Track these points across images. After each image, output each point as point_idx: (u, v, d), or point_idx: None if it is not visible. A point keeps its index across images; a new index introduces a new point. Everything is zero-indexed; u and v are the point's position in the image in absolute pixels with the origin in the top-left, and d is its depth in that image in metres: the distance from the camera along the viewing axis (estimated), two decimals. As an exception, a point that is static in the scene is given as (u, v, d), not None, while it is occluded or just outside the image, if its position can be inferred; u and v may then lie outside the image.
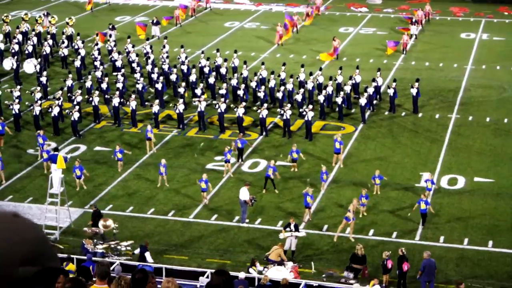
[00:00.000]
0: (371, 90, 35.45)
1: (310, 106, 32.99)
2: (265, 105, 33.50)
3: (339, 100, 34.54)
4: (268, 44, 46.39)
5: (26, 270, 3.02)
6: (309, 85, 36.01)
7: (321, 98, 34.56)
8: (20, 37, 42.93)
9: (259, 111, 33.05)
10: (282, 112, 32.82)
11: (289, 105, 33.57)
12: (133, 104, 33.37)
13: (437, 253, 23.68)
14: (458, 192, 28.31)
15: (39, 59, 40.25)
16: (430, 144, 32.50)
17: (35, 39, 42.74)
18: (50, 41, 42.55)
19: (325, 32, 48.51)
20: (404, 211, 26.65)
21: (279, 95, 35.46)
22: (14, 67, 38.45)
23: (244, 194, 25.86)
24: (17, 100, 33.04)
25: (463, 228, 25.67)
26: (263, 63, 38.75)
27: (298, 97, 34.78)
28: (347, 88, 35.77)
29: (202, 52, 40.92)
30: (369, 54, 44.35)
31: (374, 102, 36.15)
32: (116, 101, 33.55)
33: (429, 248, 23.53)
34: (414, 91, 35.32)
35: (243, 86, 35.91)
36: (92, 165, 29.90)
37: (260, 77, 37.20)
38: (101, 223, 23.84)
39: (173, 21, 49.96)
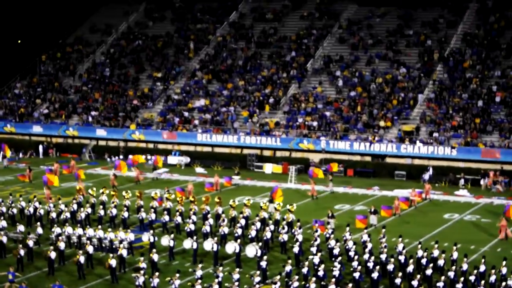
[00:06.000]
0: None
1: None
2: (484, 300, 32.36)
3: None
4: (489, 237, 45.31)
5: None
6: (533, 282, 34.48)
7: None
8: (243, 221, 44.74)
9: (477, 305, 31.97)
10: (503, 308, 31.59)
11: (511, 302, 32.20)
12: (349, 293, 33.36)
13: None
14: None
15: (259, 244, 41.52)
16: None
17: (258, 224, 44.38)
18: (272, 227, 44.01)
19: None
20: None
21: (500, 291, 34.30)
22: (237, 251, 39.84)
23: None
24: (236, 283, 33.99)
25: None
26: (483, 257, 37.77)
27: (521, 294, 33.39)
28: None
29: (419, 243, 40.55)
30: None
31: None
32: (332, 288, 33.73)
33: None
34: None
35: (462, 279, 35.03)
36: None
37: (480, 271, 36.19)
38: None
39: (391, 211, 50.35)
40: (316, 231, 42.37)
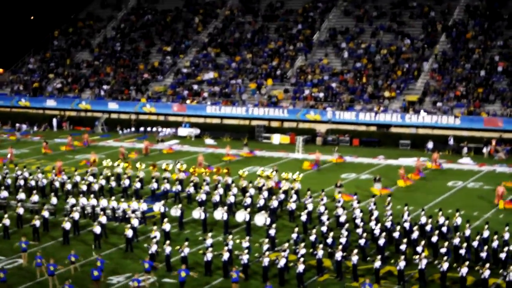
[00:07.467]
0: None
1: (533, 268, 32.46)
2: (487, 265, 33.36)
3: None
4: (491, 204, 46.44)
5: None
6: (533, 247, 35.49)
7: (545, 260, 33.95)
8: (252, 191, 45.91)
9: (481, 271, 32.96)
10: (505, 273, 32.57)
11: (512, 267, 33.18)
12: (354, 258, 34.52)
13: None
14: None
15: (267, 212, 42.77)
16: None
17: (265, 193, 45.57)
18: (282, 196, 45.27)
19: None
20: None
21: (502, 256, 35.21)
22: (247, 219, 41.03)
23: None
24: (246, 251, 35.13)
25: None
26: (487, 223, 38.86)
27: (522, 259, 34.43)
28: None
29: (423, 210, 41.68)
30: None
31: None
32: (339, 255, 34.89)
33: None
34: None
35: (465, 245, 36.06)
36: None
37: (483, 236, 37.20)
38: None
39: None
40: (322, 199, 43.51)
